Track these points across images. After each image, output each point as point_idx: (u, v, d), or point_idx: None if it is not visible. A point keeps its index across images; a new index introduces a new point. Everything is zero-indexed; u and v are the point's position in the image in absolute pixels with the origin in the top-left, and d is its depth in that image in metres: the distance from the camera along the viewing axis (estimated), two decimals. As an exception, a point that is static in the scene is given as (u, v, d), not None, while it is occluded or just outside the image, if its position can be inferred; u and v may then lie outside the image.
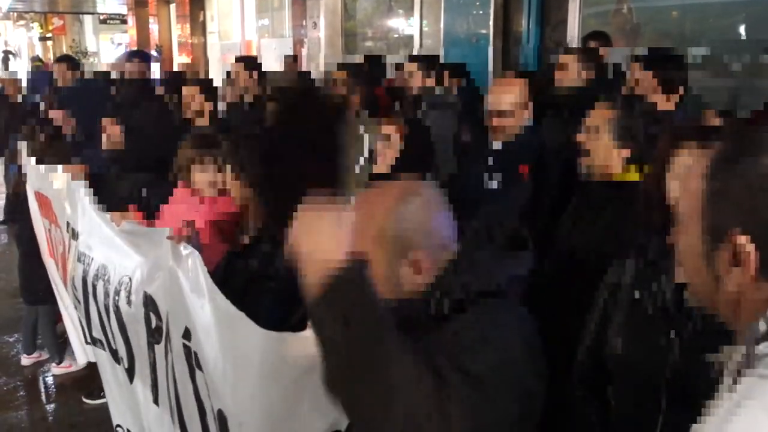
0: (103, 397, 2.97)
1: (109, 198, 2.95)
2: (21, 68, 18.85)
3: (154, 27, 15.40)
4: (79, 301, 2.82)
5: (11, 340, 4.99)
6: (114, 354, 2.52)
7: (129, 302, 2.24)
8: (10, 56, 25.65)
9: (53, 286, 3.69)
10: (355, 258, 1.15)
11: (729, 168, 0.90)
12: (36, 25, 25.17)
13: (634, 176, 2.29)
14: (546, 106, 3.22)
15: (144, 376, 2.23)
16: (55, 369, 4.51)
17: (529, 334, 1.38)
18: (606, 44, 4.57)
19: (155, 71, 8.49)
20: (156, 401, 2.17)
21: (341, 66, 4.76)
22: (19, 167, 4.03)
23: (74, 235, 2.92)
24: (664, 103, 3.12)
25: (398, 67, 4.89)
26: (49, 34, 24.60)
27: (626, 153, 2.34)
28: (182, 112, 4.48)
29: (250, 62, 5.85)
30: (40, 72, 10.91)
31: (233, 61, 6.02)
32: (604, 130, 2.36)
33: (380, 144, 3.15)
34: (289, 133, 1.32)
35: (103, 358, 2.70)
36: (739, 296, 0.90)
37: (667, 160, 1.77)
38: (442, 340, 1.27)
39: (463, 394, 1.16)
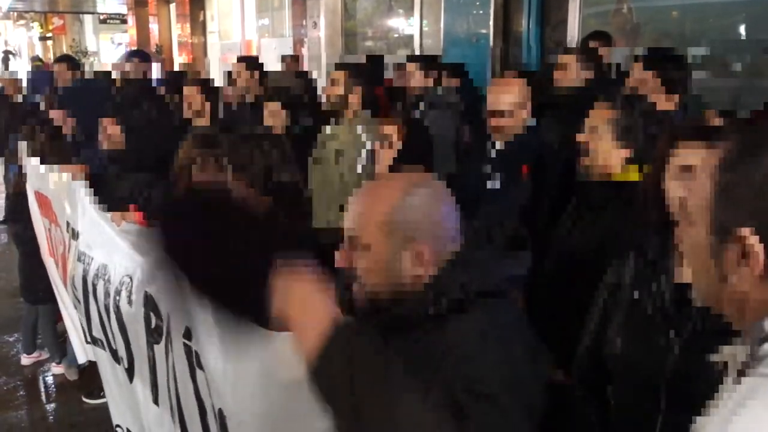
0: (103, 396, 2.97)
1: (109, 198, 2.95)
2: (21, 68, 18.85)
3: (154, 27, 15.40)
4: (79, 301, 2.81)
5: (11, 339, 4.99)
6: (114, 353, 2.52)
7: (130, 302, 2.24)
8: (10, 56, 25.65)
9: (53, 286, 3.69)
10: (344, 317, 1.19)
11: (738, 165, 0.89)
12: (36, 24, 25.17)
13: (634, 176, 2.29)
14: (545, 106, 3.22)
15: (143, 376, 2.23)
16: (55, 368, 4.51)
17: (529, 336, 1.39)
18: (607, 44, 4.58)
19: (156, 71, 8.47)
20: (156, 401, 2.16)
21: (339, 66, 4.75)
22: (20, 167, 4.03)
23: (74, 235, 2.92)
24: (665, 103, 3.12)
25: (399, 66, 4.89)
26: (49, 34, 24.60)
27: (626, 153, 2.34)
28: (182, 111, 4.48)
29: (251, 62, 5.86)
30: (40, 72, 10.91)
31: (233, 60, 6.02)
32: (604, 130, 2.37)
33: (379, 144, 3.16)
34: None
35: (103, 358, 2.70)
36: (745, 295, 0.90)
37: (665, 160, 1.77)
38: (444, 352, 1.27)
39: (483, 420, 1.17)
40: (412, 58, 4.97)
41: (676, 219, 1.71)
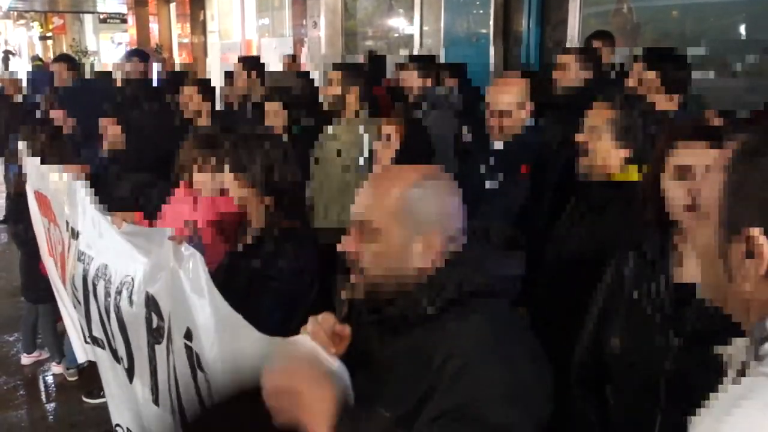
0: (103, 396, 2.97)
1: (109, 198, 2.95)
2: (21, 67, 18.84)
3: (154, 26, 15.41)
4: (79, 301, 2.82)
5: (11, 339, 4.99)
6: (114, 353, 2.52)
7: (131, 302, 2.24)
8: (10, 56, 25.64)
9: (52, 286, 3.69)
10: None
11: (749, 162, 0.89)
12: (36, 24, 25.18)
13: (633, 176, 2.29)
14: (545, 106, 3.22)
15: (144, 376, 2.23)
16: (55, 368, 4.51)
17: (528, 337, 1.39)
18: (610, 44, 4.57)
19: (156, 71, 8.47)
20: (156, 401, 2.17)
21: (336, 66, 4.76)
22: (19, 167, 4.03)
23: (74, 235, 2.92)
24: (665, 103, 3.13)
25: (401, 66, 4.90)
26: (50, 34, 24.61)
27: (626, 153, 2.34)
28: (183, 111, 4.49)
29: (252, 63, 5.86)
30: (40, 72, 10.91)
31: (234, 60, 6.02)
32: (603, 130, 2.36)
33: (379, 144, 3.16)
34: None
35: (103, 358, 2.70)
36: (749, 294, 0.90)
37: (664, 160, 1.77)
38: (445, 359, 1.28)
39: None
40: (411, 59, 4.96)
41: (675, 219, 1.72)
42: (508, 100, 2.97)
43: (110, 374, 2.65)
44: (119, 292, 2.34)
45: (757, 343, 0.87)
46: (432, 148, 3.27)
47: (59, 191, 3.15)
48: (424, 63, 4.70)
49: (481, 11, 6.86)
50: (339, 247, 1.42)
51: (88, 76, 8.51)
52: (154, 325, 2.07)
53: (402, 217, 1.36)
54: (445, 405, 1.26)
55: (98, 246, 2.65)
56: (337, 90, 4.11)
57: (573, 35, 5.79)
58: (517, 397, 1.26)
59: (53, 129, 4.19)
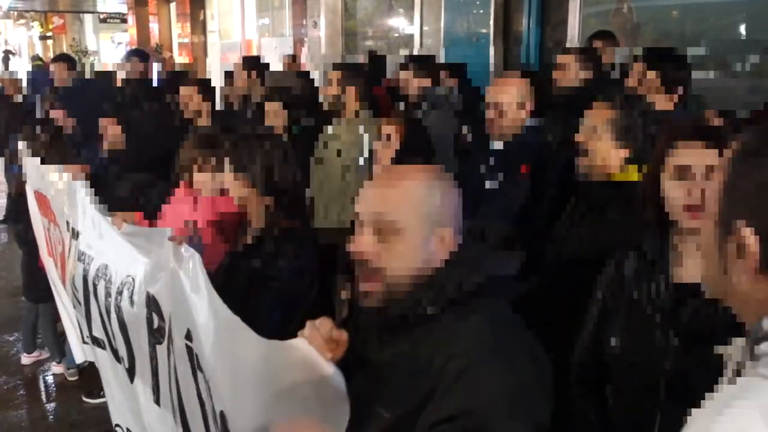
0: (103, 396, 2.97)
1: (109, 198, 2.95)
2: (21, 67, 18.84)
3: (154, 26, 15.40)
4: (79, 302, 2.82)
5: (11, 339, 4.99)
6: (115, 353, 2.52)
7: (132, 302, 2.24)
8: (11, 55, 25.64)
9: (51, 286, 3.69)
10: None
11: (745, 162, 0.91)
12: (36, 24, 25.18)
13: (633, 176, 2.29)
14: (545, 106, 3.22)
15: (145, 376, 2.23)
16: (55, 368, 4.51)
17: (527, 337, 1.39)
18: (612, 44, 4.56)
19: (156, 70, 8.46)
20: (157, 401, 2.17)
21: (336, 66, 4.76)
22: (19, 167, 4.03)
23: (74, 235, 2.92)
24: (666, 103, 3.13)
25: (401, 66, 4.90)
26: (50, 33, 24.61)
27: (626, 153, 2.34)
28: (181, 111, 4.49)
29: (253, 63, 5.86)
30: (40, 71, 10.90)
31: (233, 60, 6.02)
32: (603, 130, 2.37)
33: (378, 144, 3.16)
34: None
35: (103, 358, 2.70)
36: (745, 292, 0.91)
37: (663, 160, 1.78)
38: (446, 362, 1.29)
39: None
40: (409, 59, 4.96)
41: (674, 218, 1.73)
42: (507, 98, 2.97)
43: (111, 374, 2.65)
44: (120, 293, 2.34)
45: (753, 343, 0.87)
46: (432, 148, 3.27)
47: (59, 191, 3.15)
48: (423, 63, 4.70)
49: (481, 11, 6.86)
50: (353, 249, 1.41)
51: (88, 76, 8.51)
52: (155, 325, 2.07)
53: (423, 214, 1.38)
54: (446, 408, 1.26)
55: (98, 246, 2.65)
56: (337, 90, 4.11)
57: (573, 35, 5.79)
58: (519, 402, 1.27)
59: (54, 129, 4.19)
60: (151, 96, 5.64)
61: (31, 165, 3.65)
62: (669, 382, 1.66)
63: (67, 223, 3.02)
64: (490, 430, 1.23)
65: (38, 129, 4.06)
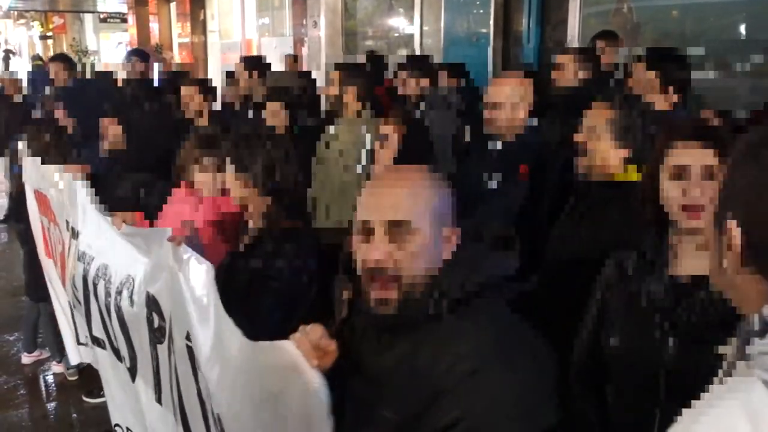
0: (103, 396, 2.97)
1: (109, 198, 2.96)
2: (21, 67, 18.83)
3: (154, 26, 15.40)
4: (79, 301, 2.82)
5: (11, 338, 4.99)
6: (116, 353, 2.52)
7: (132, 302, 2.24)
8: (11, 55, 25.64)
9: (48, 286, 3.69)
10: None
11: (739, 161, 0.94)
12: (36, 23, 25.17)
13: (633, 176, 2.29)
14: (544, 106, 3.22)
15: (146, 376, 2.24)
16: (56, 367, 4.51)
17: (529, 335, 1.39)
18: (615, 44, 4.56)
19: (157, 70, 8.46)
20: (159, 401, 2.17)
21: (337, 66, 4.76)
22: (19, 167, 4.03)
23: (74, 235, 2.92)
24: (666, 103, 3.13)
25: (400, 67, 4.90)
26: (50, 33, 24.59)
27: (625, 153, 2.34)
28: (181, 111, 4.49)
29: (254, 63, 5.86)
30: (40, 71, 10.89)
31: (233, 60, 6.02)
32: (603, 130, 2.37)
33: (378, 144, 3.16)
34: None
35: (104, 357, 2.70)
36: (741, 287, 0.93)
37: (662, 159, 1.78)
38: (450, 365, 1.29)
39: None
40: (405, 63, 4.96)
41: (672, 218, 1.73)
42: (509, 97, 2.96)
43: (111, 374, 2.66)
44: (119, 292, 2.34)
45: (743, 342, 0.88)
46: (432, 148, 3.27)
47: (60, 191, 3.16)
48: (419, 65, 4.71)
49: (481, 11, 6.86)
50: (366, 257, 1.38)
51: (88, 76, 8.50)
52: (156, 325, 2.07)
53: (432, 214, 1.39)
54: (455, 411, 1.26)
55: (99, 246, 2.65)
56: (338, 90, 4.11)
57: (573, 35, 5.80)
58: (527, 405, 1.28)
59: (57, 129, 4.19)
60: (152, 96, 5.63)
61: (31, 165, 3.65)
62: (668, 381, 1.66)
63: (67, 222, 3.02)
64: None
65: (41, 129, 4.06)
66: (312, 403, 1.31)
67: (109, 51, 20.90)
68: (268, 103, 4.24)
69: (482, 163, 3.03)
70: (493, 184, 2.93)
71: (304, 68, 8.52)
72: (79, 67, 9.33)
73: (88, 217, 2.80)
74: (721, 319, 1.55)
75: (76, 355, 3.46)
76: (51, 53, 21.86)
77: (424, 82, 4.45)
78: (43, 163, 3.53)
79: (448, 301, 1.36)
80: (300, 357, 1.33)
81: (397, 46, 8.64)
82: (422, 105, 4.21)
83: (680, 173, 1.73)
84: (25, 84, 7.45)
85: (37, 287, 4.31)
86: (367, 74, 4.65)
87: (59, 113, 4.84)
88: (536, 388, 1.31)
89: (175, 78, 6.11)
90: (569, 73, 3.78)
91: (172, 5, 14.86)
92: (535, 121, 3.05)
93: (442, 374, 1.29)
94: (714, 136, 1.74)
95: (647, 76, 3.20)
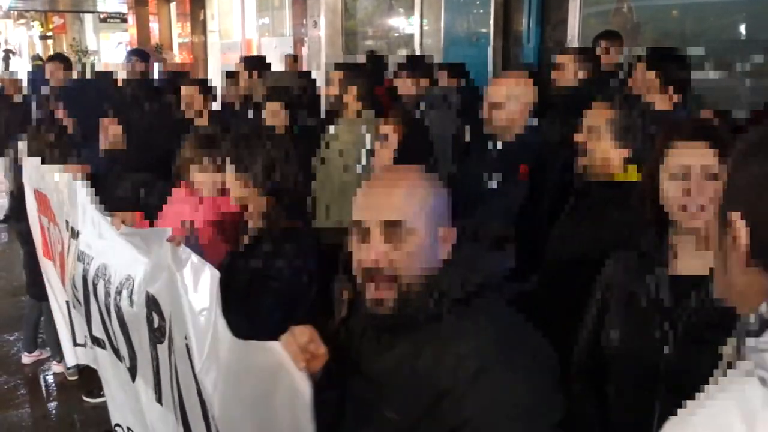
0: (103, 395, 2.97)
1: (109, 198, 2.96)
2: (21, 67, 18.83)
3: (154, 26, 15.40)
4: (79, 302, 2.82)
5: (12, 338, 4.99)
6: (116, 352, 2.52)
7: (131, 302, 2.24)
8: (11, 55, 25.64)
9: (47, 286, 3.68)
10: None
11: (744, 158, 0.95)
12: (36, 23, 25.18)
13: (633, 176, 2.29)
14: (543, 106, 3.22)
15: (146, 375, 2.24)
16: (56, 367, 4.51)
17: (530, 331, 1.40)
18: (619, 44, 4.56)
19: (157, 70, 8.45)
20: (159, 400, 2.17)
21: (338, 66, 4.76)
22: (19, 167, 4.03)
23: (74, 234, 2.92)
24: (667, 103, 3.13)
25: (401, 66, 4.90)
26: (50, 33, 24.60)
27: (626, 153, 2.34)
28: (182, 111, 4.49)
29: (254, 63, 5.86)
30: (40, 71, 10.88)
31: (233, 60, 6.02)
32: (603, 130, 2.36)
33: (378, 143, 3.16)
34: None
35: (104, 358, 2.70)
36: (742, 286, 0.93)
37: (661, 158, 1.78)
38: (456, 365, 1.29)
39: None
40: (401, 66, 4.96)
41: (672, 217, 1.73)
42: (504, 95, 2.96)
43: (111, 374, 2.65)
44: (119, 292, 2.34)
45: (741, 339, 0.88)
46: (431, 148, 3.26)
47: (59, 191, 3.15)
48: (418, 66, 4.71)
49: (481, 11, 6.86)
50: (362, 258, 1.39)
51: (88, 76, 8.50)
52: (156, 324, 2.07)
53: (428, 213, 1.39)
54: (464, 411, 1.26)
55: (98, 246, 2.65)
56: (338, 90, 4.11)
57: (573, 35, 5.80)
58: (535, 403, 1.28)
59: (59, 129, 4.19)
60: (152, 96, 5.63)
61: (31, 165, 3.65)
62: (667, 381, 1.67)
63: (67, 222, 3.02)
64: None
65: (42, 129, 4.06)
66: (298, 405, 1.31)
67: (109, 51, 20.90)
68: (267, 103, 4.24)
69: (482, 163, 3.03)
70: (493, 184, 2.93)
71: (305, 68, 8.52)
72: (79, 67, 9.32)
73: (87, 217, 2.80)
74: (720, 319, 1.55)
75: (72, 356, 3.46)
76: (51, 53, 21.87)
77: (424, 82, 4.45)
78: (43, 162, 3.53)
79: (451, 301, 1.36)
80: (287, 358, 1.32)
81: (397, 46, 8.64)
82: (422, 105, 4.21)
83: (680, 173, 1.74)
84: (25, 84, 7.44)
85: (39, 285, 4.31)
86: (368, 74, 4.65)
87: (60, 113, 4.84)
88: (539, 386, 1.31)
89: (175, 78, 6.11)
90: (569, 73, 3.78)
91: (172, 5, 14.86)
92: (535, 121, 3.04)
93: (444, 375, 1.29)
94: (714, 136, 1.74)
95: (647, 76, 3.20)
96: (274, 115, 4.12)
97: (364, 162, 3.82)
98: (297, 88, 5.21)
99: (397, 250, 1.37)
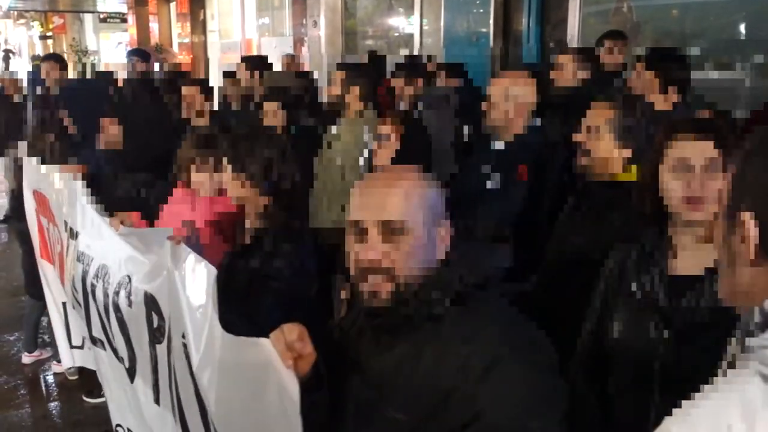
0: (103, 395, 2.97)
1: (107, 198, 2.95)
2: (21, 67, 18.83)
3: (154, 26, 15.40)
4: (79, 303, 2.82)
5: (12, 338, 4.99)
6: (115, 353, 2.52)
7: (130, 302, 2.24)
8: (11, 55, 25.64)
9: (45, 288, 3.68)
10: None
11: (752, 157, 0.95)
12: (36, 23, 25.17)
13: (634, 177, 2.29)
14: (543, 106, 3.22)
15: (145, 376, 2.23)
16: (56, 367, 4.51)
17: (529, 326, 1.40)
18: (623, 44, 4.55)
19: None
20: (157, 401, 2.17)
21: (340, 66, 4.76)
22: (19, 166, 4.03)
23: (73, 235, 2.92)
24: (667, 103, 3.13)
25: (399, 67, 4.90)
26: (50, 33, 24.58)
27: (627, 153, 2.34)
28: (181, 111, 4.49)
29: (254, 62, 5.86)
30: (40, 71, 10.87)
31: (233, 60, 6.03)
32: (604, 130, 2.36)
33: (377, 143, 3.16)
34: None
35: (104, 358, 2.70)
36: (748, 284, 0.93)
37: (662, 153, 1.78)
38: (463, 364, 1.30)
39: None
40: (397, 67, 4.96)
41: (672, 211, 1.73)
42: (504, 95, 2.96)
43: (111, 375, 2.65)
44: (117, 293, 2.34)
45: (744, 336, 0.88)
46: (430, 148, 3.27)
47: (58, 191, 3.15)
48: (411, 69, 4.72)
49: (481, 10, 6.86)
50: (360, 258, 1.39)
51: (88, 76, 8.50)
52: (155, 324, 2.07)
53: (425, 211, 1.40)
54: (471, 410, 1.27)
55: (97, 247, 2.65)
56: (340, 90, 4.11)
57: (573, 34, 5.80)
58: (546, 396, 1.30)
59: (60, 129, 4.19)
60: (151, 96, 5.64)
61: (30, 165, 3.65)
62: (662, 375, 1.68)
63: (66, 223, 3.01)
64: (526, 428, 1.26)
65: (44, 129, 4.06)
66: (286, 402, 1.30)
67: (109, 51, 20.90)
68: (265, 103, 4.24)
69: (482, 163, 3.02)
70: (492, 184, 2.92)
71: (306, 68, 8.51)
72: (79, 67, 9.31)
73: (87, 217, 2.80)
74: (714, 320, 1.56)
75: (69, 358, 3.46)
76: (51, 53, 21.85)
77: (419, 82, 4.45)
78: (43, 163, 3.52)
79: (446, 300, 1.37)
80: (274, 355, 1.32)
81: (397, 45, 8.64)
82: (419, 105, 4.21)
83: (681, 166, 1.74)
84: (25, 84, 7.43)
85: (38, 285, 4.30)
86: (370, 74, 4.65)
87: (62, 113, 4.84)
88: (546, 378, 1.32)
89: (175, 78, 6.11)
90: (568, 73, 3.78)
91: (172, 5, 14.86)
92: (538, 121, 3.04)
93: (449, 375, 1.30)
94: (714, 130, 1.75)
95: (646, 76, 3.20)
96: (272, 115, 4.12)
97: (365, 162, 3.82)
98: (297, 88, 5.21)
99: (395, 250, 1.37)
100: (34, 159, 3.59)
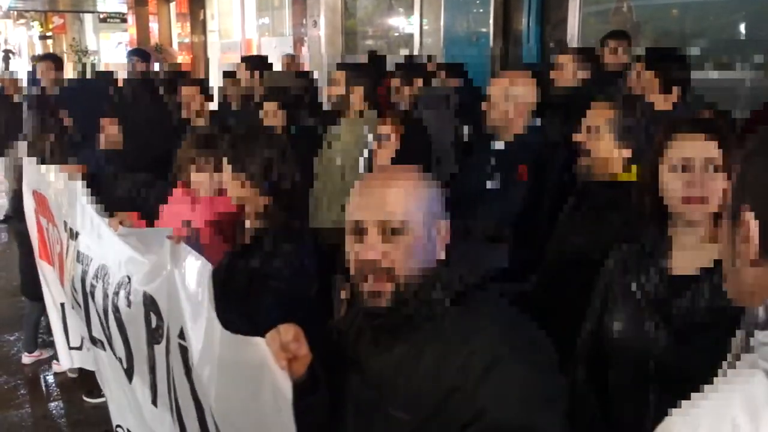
0: (103, 396, 2.97)
1: (107, 198, 2.95)
2: (21, 67, 18.84)
3: (154, 26, 15.40)
4: (78, 303, 2.82)
5: (12, 338, 5.00)
6: (114, 354, 2.52)
7: (129, 302, 2.24)
8: (11, 55, 25.64)
9: (44, 289, 3.68)
10: None
11: (754, 156, 0.96)
12: (36, 23, 25.16)
13: (634, 177, 2.29)
14: (543, 106, 3.22)
15: (143, 377, 2.23)
16: (56, 367, 4.51)
17: (534, 326, 1.40)
18: (627, 44, 4.55)
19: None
20: (154, 402, 2.17)
21: (340, 66, 4.76)
22: (19, 166, 4.03)
23: (72, 235, 2.92)
24: (668, 103, 3.13)
25: (398, 66, 4.90)
26: (50, 33, 24.58)
27: (627, 153, 2.34)
28: (180, 111, 4.49)
29: (255, 62, 5.86)
30: (38, 71, 10.86)
31: (233, 60, 6.03)
32: (604, 130, 2.36)
33: (377, 143, 3.16)
34: None
35: (104, 359, 2.70)
36: (752, 283, 0.93)
37: (662, 152, 1.78)
38: (465, 363, 1.30)
39: None
40: (396, 67, 4.96)
41: (672, 210, 1.74)
42: (505, 94, 2.96)
43: (111, 375, 2.65)
44: (116, 293, 2.34)
45: (747, 334, 0.88)
46: (430, 148, 3.27)
47: (58, 191, 3.15)
48: (410, 69, 4.72)
49: (481, 10, 6.86)
50: (360, 257, 1.39)
51: (88, 76, 8.50)
52: (153, 324, 2.07)
53: (425, 210, 1.41)
54: (473, 408, 1.27)
55: (97, 247, 2.64)
56: (341, 90, 4.11)
57: (573, 34, 5.80)
58: (547, 393, 1.30)
59: (60, 129, 4.19)
60: (151, 96, 5.64)
61: (30, 165, 3.65)
62: (659, 373, 1.68)
63: (65, 223, 3.01)
64: (528, 426, 1.25)
65: (45, 129, 4.06)
66: (280, 403, 1.30)
67: (109, 51, 20.90)
68: (264, 103, 4.24)
69: (482, 163, 3.02)
70: (492, 184, 2.92)
71: (306, 68, 8.52)
72: (79, 67, 9.32)
73: (86, 218, 2.80)
74: (712, 320, 1.56)
75: (67, 359, 3.46)
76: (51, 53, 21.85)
77: (418, 82, 4.45)
78: (43, 163, 3.52)
79: (445, 300, 1.37)
80: (268, 354, 1.32)
81: (397, 45, 8.64)
82: (418, 105, 4.21)
83: (681, 165, 1.74)
84: (25, 84, 7.43)
85: (35, 286, 4.30)
86: (371, 74, 4.65)
87: (62, 113, 4.84)
88: (546, 377, 1.32)
89: (175, 78, 6.11)
90: (568, 73, 3.78)
91: (172, 5, 14.86)
92: (538, 121, 3.04)
93: (450, 374, 1.30)
94: (714, 128, 1.75)
95: (647, 76, 3.20)
96: (271, 115, 4.12)
97: (365, 162, 3.82)
98: (297, 88, 5.21)
99: (395, 250, 1.38)
100: (34, 159, 3.59)
